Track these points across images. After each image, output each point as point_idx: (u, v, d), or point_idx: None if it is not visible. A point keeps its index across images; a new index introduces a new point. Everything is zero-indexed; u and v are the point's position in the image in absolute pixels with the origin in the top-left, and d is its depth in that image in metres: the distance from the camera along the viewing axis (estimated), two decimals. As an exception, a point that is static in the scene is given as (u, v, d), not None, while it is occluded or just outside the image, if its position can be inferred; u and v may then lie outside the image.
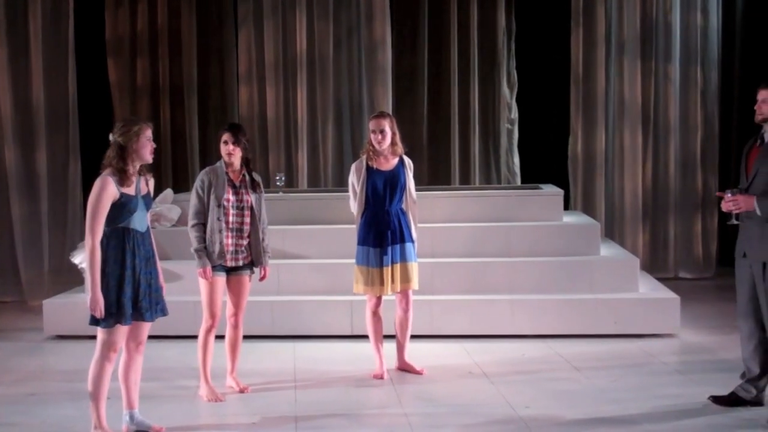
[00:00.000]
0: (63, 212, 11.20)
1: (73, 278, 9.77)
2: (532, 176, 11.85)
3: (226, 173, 6.54)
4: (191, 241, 6.54)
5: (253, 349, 7.87)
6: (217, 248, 6.45)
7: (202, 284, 6.53)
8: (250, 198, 6.56)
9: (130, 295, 5.37)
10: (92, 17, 12.01)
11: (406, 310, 7.12)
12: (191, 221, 6.56)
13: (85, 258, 5.35)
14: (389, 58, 11.84)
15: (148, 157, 5.47)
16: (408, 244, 6.99)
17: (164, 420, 5.96)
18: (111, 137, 5.44)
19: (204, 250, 6.46)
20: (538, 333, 8.27)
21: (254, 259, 6.65)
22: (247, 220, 6.57)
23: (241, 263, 6.59)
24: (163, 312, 5.64)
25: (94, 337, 5.48)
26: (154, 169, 6.24)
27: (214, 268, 6.48)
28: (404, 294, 7.07)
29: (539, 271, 8.62)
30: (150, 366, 6.76)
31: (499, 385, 6.78)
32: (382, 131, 6.94)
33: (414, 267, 7.03)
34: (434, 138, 12.36)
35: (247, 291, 6.70)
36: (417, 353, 7.43)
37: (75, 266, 8.90)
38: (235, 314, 6.68)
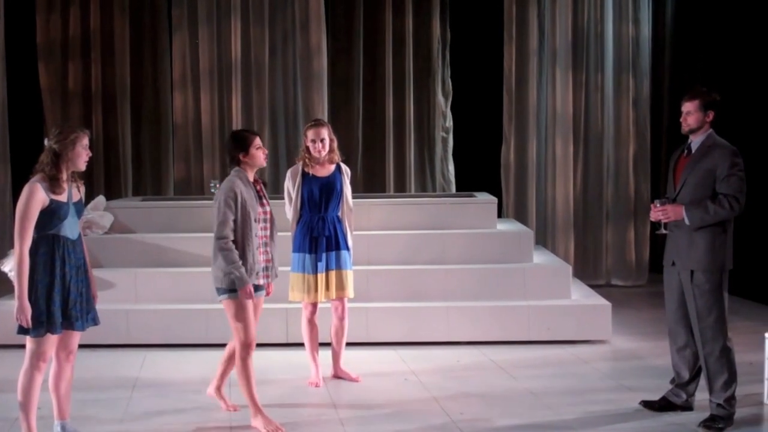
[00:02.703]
0: (-8, 219, 10.99)
1: (2, 286, 9.56)
2: (466, 184, 11.93)
3: (253, 184, 6.03)
4: (227, 261, 5.75)
5: (189, 358, 7.79)
6: (254, 267, 5.92)
7: (240, 308, 5.88)
8: (269, 208, 6.17)
9: (59, 304, 5.27)
10: (23, 21, 11.82)
11: (341, 318, 7.11)
12: (227, 237, 5.78)
13: (14, 266, 5.24)
14: (324, 65, 11.84)
15: (82, 166, 5.38)
16: (343, 252, 6.98)
17: (96, 430, 5.88)
18: (46, 142, 5.34)
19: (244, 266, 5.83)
20: (472, 339, 8.32)
21: (275, 272, 6.22)
22: (268, 233, 6.12)
23: (263, 281, 6.09)
24: (95, 321, 5.54)
25: (23, 347, 5.37)
26: (86, 175, 6.12)
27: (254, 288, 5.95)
28: (339, 302, 7.06)
29: (473, 278, 8.68)
30: (81, 376, 6.65)
31: (434, 392, 6.81)
32: (322, 140, 6.89)
33: (349, 275, 7.02)
34: (369, 145, 12.36)
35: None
36: (352, 361, 7.43)
37: (4, 274, 8.72)
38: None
